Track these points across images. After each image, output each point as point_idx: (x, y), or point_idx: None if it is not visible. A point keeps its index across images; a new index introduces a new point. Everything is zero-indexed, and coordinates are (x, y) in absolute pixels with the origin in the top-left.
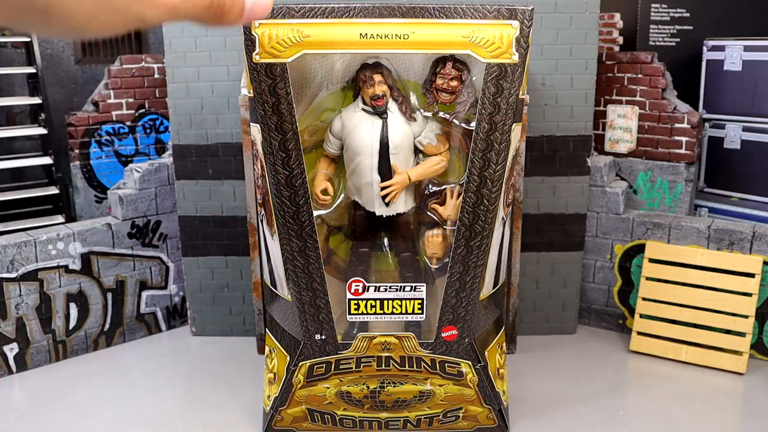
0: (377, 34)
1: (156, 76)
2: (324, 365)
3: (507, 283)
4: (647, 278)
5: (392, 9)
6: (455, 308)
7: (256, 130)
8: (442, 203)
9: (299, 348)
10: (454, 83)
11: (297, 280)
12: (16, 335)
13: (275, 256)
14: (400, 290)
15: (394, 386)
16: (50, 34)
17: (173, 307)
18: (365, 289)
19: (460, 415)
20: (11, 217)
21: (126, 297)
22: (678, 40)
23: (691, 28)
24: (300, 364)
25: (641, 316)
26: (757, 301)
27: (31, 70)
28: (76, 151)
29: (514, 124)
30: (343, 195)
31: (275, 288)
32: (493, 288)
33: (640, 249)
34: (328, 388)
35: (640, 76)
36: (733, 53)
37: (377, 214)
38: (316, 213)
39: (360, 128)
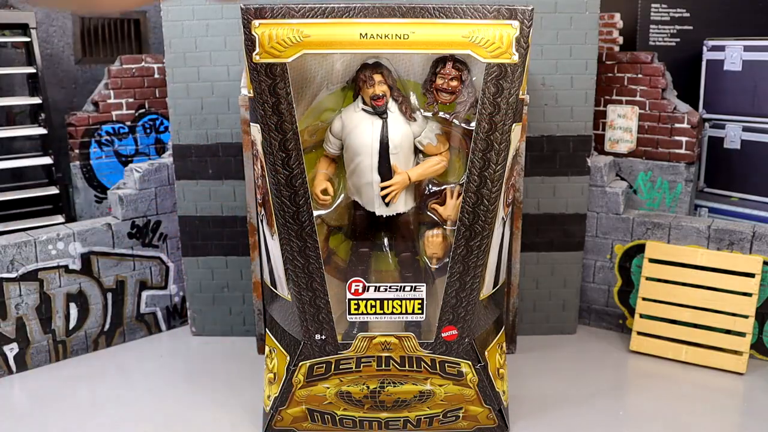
0: (377, 34)
1: (156, 76)
2: (324, 365)
3: (507, 283)
4: (647, 278)
5: (392, 9)
6: (455, 308)
7: (256, 130)
8: (442, 203)
9: (299, 348)
10: (454, 83)
11: (297, 280)
12: (16, 335)
13: (275, 256)
14: (400, 290)
15: (394, 386)
16: None
17: (173, 307)
18: (365, 289)
19: (460, 415)
20: (11, 217)
21: (126, 297)
22: (678, 40)
23: (691, 28)
24: (300, 364)
25: (641, 316)
26: (757, 301)
27: (31, 70)
28: (76, 151)
29: (514, 124)
30: (343, 195)
31: (275, 288)
32: (493, 288)
33: (640, 249)
34: (328, 388)
35: (640, 76)
36: (733, 53)
37: (377, 214)
38: (316, 213)
39: (360, 128)
